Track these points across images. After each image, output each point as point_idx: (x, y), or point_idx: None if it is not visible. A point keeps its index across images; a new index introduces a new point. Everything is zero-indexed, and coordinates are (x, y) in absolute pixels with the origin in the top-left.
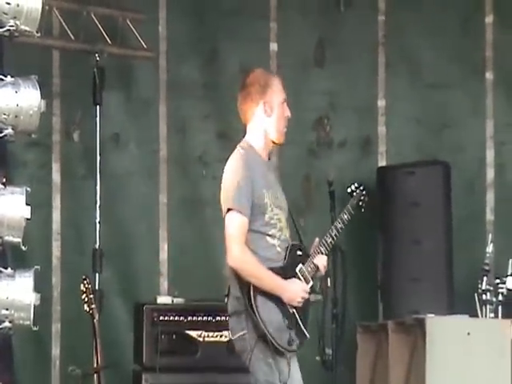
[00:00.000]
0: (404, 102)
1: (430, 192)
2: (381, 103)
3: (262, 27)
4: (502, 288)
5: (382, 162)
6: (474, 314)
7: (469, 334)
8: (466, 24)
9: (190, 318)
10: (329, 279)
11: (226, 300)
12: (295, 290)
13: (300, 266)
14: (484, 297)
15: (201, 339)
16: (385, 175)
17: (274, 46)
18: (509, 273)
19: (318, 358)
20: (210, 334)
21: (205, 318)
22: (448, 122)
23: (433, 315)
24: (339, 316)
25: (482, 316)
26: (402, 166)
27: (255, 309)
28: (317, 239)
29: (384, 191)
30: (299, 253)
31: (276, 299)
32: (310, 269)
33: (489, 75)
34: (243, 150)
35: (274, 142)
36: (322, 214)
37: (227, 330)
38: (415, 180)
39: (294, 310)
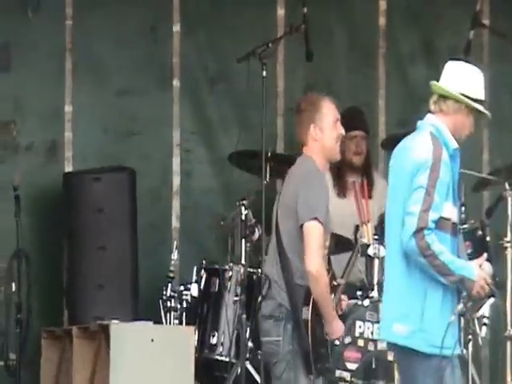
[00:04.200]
0: (91, 108)
1: (115, 198)
2: (68, 109)
3: None
4: (186, 295)
5: (69, 168)
6: (158, 321)
7: (153, 340)
8: (154, 32)
9: None
10: (13, 284)
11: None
12: (340, 326)
13: (332, 296)
14: (168, 303)
15: None
16: (71, 181)
17: None
18: (193, 280)
19: (1, 363)
20: None
21: None
22: (135, 130)
23: (117, 321)
24: (23, 321)
25: (166, 323)
26: (87, 171)
27: (309, 324)
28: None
29: (70, 197)
30: (334, 283)
31: (322, 324)
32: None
33: (176, 83)
34: (313, 164)
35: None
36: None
37: None
38: (101, 186)
39: (329, 341)
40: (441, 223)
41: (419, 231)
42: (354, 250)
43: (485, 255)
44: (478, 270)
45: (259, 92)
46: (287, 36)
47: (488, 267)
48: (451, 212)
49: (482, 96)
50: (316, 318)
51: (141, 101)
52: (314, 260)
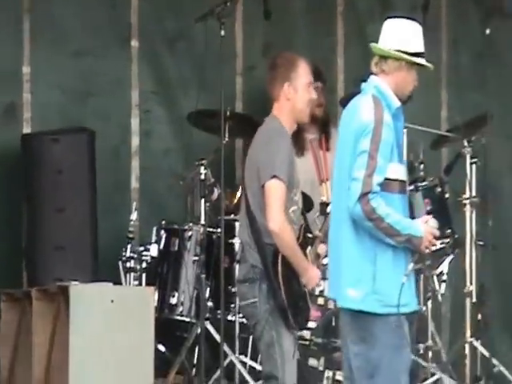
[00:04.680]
0: (49, 69)
1: (74, 159)
2: (26, 70)
3: None
4: (146, 256)
5: (27, 129)
6: (118, 282)
7: (112, 301)
8: None
9: None
10: None
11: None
12: (315, 275)
13: (309, 248)
14: (128, 264)
15: None
16: (29, 142)
17: None
18: (152, 240)
19: None
20: None
21: None
22: (93, 90)
23: (77, 283)
24: None
25: (125, 283)
26: (46, 133)
27: (280, 280)
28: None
29: (29, 159)
30: (309, 235)
31: (297, 278)
32: (313, 255)
33: (134, 43)
34: (276, 123)
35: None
36: None
37: None
38: (60, 148)
39: (307, 292)
40: (387, 185)
41: (364, 196)
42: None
43: (430, 216)
44: (424, 226)
45: (218, 51)
46: None
47: (434, 223)
48: (398, 171)
49: (420, 48)
50: (289, 273)
51: (99, 62)
52: (275, 218)
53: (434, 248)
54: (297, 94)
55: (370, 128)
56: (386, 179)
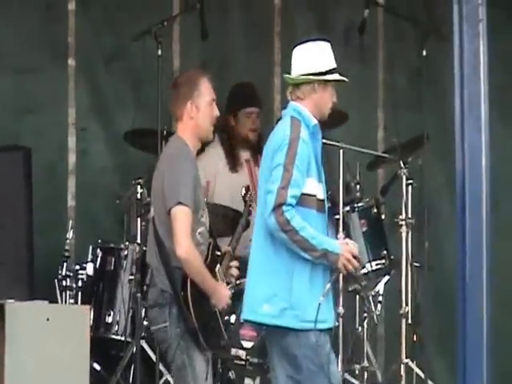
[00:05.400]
0: None
1: (10, 177)
2: None
3: None
4: (82, 274)
5: None
6: (54, 300)
7: (48, 319)
8: (49, 10)
9: None
10: None
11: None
12: (224, 294)
13: (218, 266)
14: (64, 283)
15: None
16: None
17: None
18: (89, 259)
19: None
20: None
21: None
22: (30, 107)
23: (12, 301)
24: None
25: (61, 302)
26: None
27: (190, 304)
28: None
29: None
30: (218, 253)
31: (207, 299)
32: (223, 272)
33: (71, 62)
34: (182, 144)
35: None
36: None
37: None
38: None
39: (217, 312)
40: (304, 199)
41: (278, 207)
42: (242, 217)
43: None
44: (343, 245)
45: (155, 70)
46: (183, 14)
47: (353, 244)
48: (315, 188)
49: (330, 65)
50: (199, 295)
51: (37, 79)
52: (182, 244)
53: (353, 269)
54: (200, 113)
55: (285, 142)
56: (303, 194)
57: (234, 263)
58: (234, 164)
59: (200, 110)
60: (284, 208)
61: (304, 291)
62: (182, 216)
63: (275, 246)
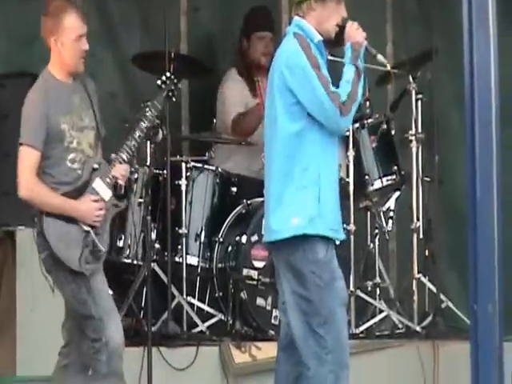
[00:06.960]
0: None
1: (20, 104)
2: None
3: None
4: None
5: None
6: None
7: None
8: None
9: None
10: None
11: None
12: (86, 209)
13: (97, 180)
14: None
15: None
16: None
17: None
18: None
19: None
20: None
21: None
22: (37, 34)
23: (23, 227)
24: None
25: None
26: None
27: (45, 231)
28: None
29: None
30: (95, 166)
31: (68, 220)
32: (108, 181)
33: None
34: (42, 78)
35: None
36: None
37: None
38: (5, 92)
39: (90, 228)
40: None
41: (340, 110)
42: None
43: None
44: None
45: None
46: None
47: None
48: None
49: None
50: (53, 221)
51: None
52: (20, 184)
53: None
54: (66, 50)
55: (300, 54)
56: None
57: (120, 169)
58: (253, 89)
59: (65, 46)
60: (341, 106)
61: (329, 199)
62: (20, 157)
63: (302, 164)
